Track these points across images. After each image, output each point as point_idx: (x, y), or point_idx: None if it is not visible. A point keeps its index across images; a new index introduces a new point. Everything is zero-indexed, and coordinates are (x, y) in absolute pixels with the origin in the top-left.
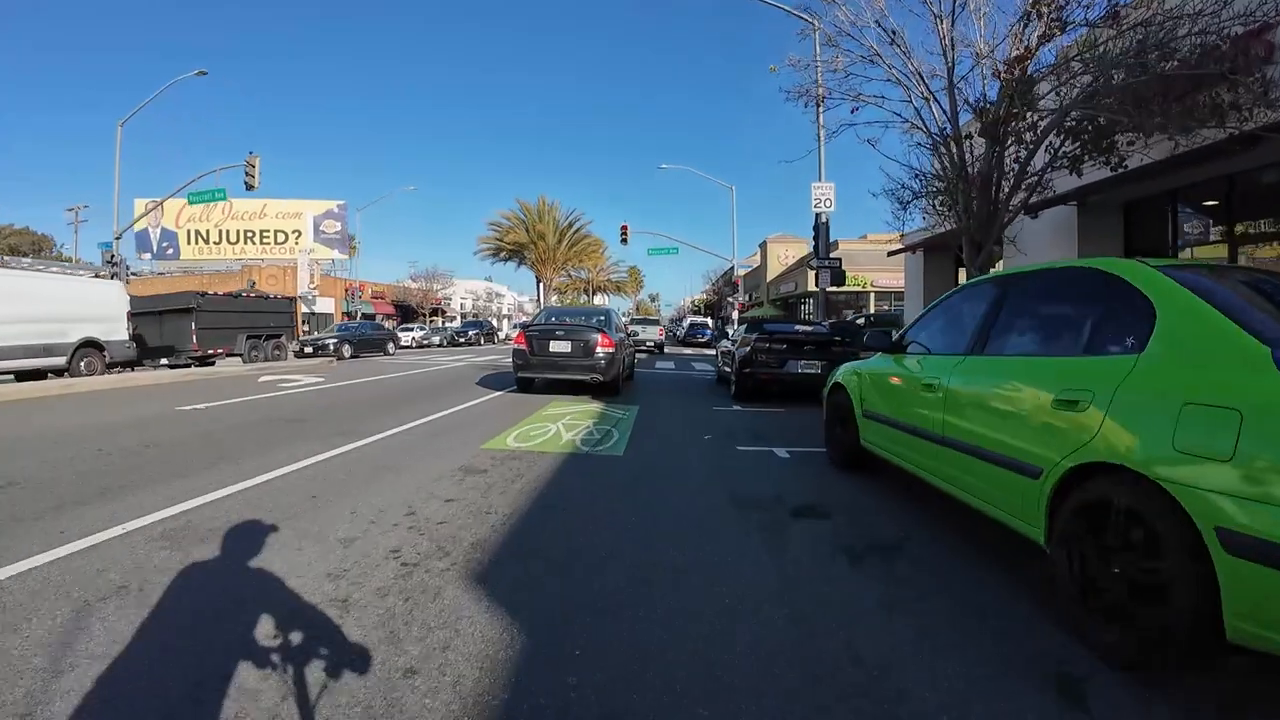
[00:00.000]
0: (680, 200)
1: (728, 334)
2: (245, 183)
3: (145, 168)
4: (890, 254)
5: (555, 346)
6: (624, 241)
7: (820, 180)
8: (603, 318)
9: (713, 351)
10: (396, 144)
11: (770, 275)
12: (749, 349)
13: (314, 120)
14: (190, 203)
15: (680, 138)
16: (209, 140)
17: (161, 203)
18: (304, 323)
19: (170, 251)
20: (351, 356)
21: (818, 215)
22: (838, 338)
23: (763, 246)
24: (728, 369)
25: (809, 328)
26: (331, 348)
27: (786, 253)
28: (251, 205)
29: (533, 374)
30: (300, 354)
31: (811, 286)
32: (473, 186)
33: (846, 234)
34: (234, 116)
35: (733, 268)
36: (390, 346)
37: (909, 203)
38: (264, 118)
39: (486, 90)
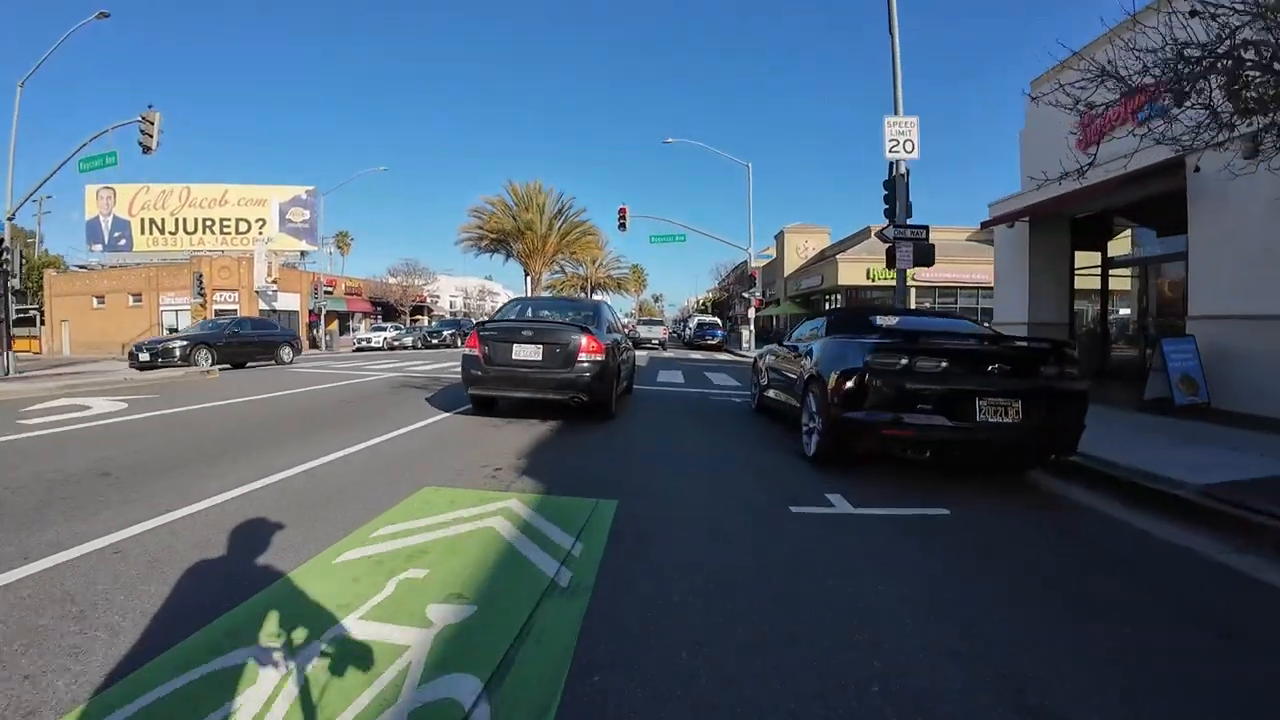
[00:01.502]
0: (687, 197)
1: (747, 336)
2: (141, 144)
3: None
4: (984, 224)
5: (520, 352)
6: (621, 226)
7: (897, 113)
8: (590, 312)
9: (725, 356)
10: (394, 139)
11: (788, 269)
12: (860, 370)
13: (302, 113)
14: (80, 170)
15: (688, 125)
16: (187, 125)
17: (48, 169)
18: None
19: (123, 242)
20: (218, 365)
21: (893, 165)
22: (1047, 345)
23: (779, 237)
24: (781, 396)
25: (967, 326)
26: (178, 354)
27: (806, 244)
28: (212, 191)
29: (487, 391)
30: (138, 363)
31: (842, 280)
32: (472, 181)
33: (857, 223)
34: (213, 101)
35: (748, 259)
36: (286, 352)
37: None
38: (247, 107)
39: (489, 82)
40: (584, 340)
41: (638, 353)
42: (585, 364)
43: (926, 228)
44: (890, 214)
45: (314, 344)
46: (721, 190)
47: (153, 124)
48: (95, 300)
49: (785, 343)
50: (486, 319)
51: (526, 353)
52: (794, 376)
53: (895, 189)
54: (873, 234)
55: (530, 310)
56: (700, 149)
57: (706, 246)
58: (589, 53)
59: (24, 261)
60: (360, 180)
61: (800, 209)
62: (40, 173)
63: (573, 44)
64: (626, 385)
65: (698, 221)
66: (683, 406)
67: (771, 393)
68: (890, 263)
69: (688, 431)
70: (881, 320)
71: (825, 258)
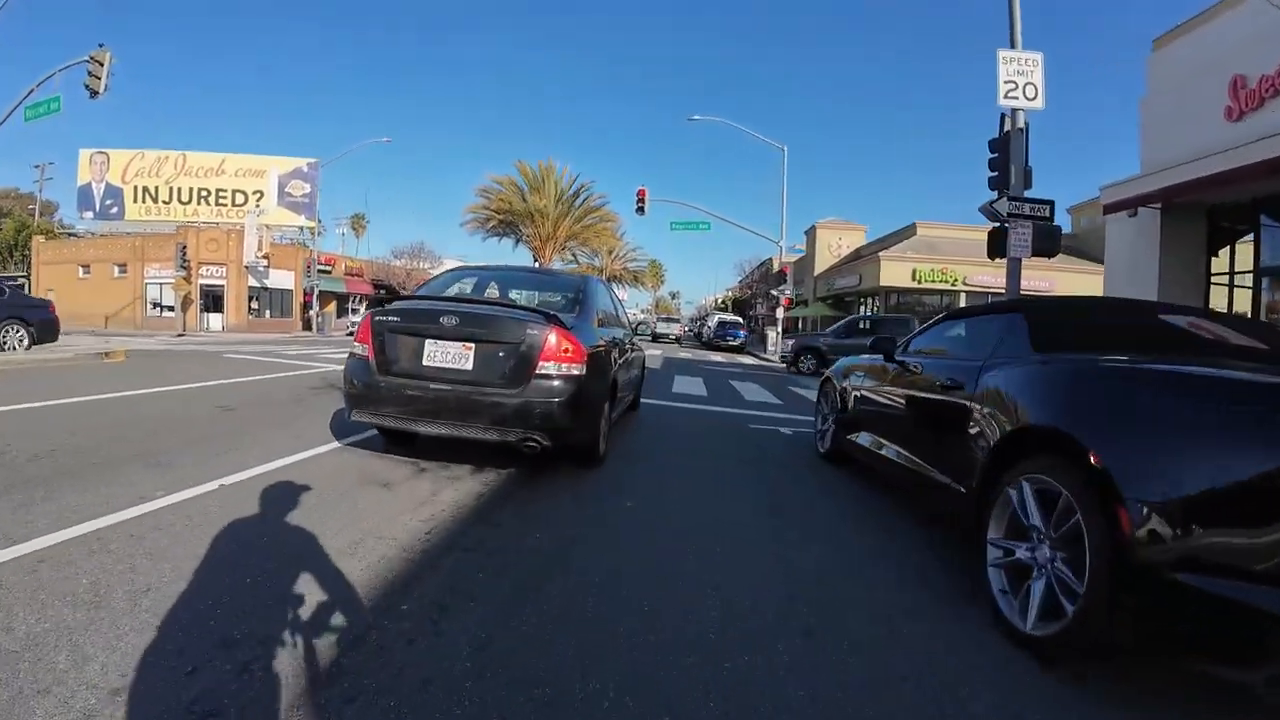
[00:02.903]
0: (712, 190)
1: (774, 338)
2: (87, 86)
3: (96, 117)
4: (1107, 209)
5: (436, 354)
6: (640, 210)
7: (1013, 46)
8: (572, 294)
9: (750, 360)
10: (404, 122)
11: (819, 268)
12: None
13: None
14: (26, 118)
15: (713, 112)
16: (189, 96)
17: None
18: (253, 299)
19: (115, 210)
20: None
21: (1007, 117)
22: None
23: (810, 233)
24: (894, 452)
25: None
26: None
27: (840, 241)
28: (208, 160)
29: (375, 417)
30: None
31: (884, 280)
32: (487, 165)
33: (892, 224)
34: (211, 73)
35: (779, 253)
36: (15, 334)
37: None
38: (248, 79)
39: (505, 61)
40: (551, 338)
41: (652, 351)
42: (553, 380)
43: (1051, 203)
44: (1000, 182)
45: (307, 325)
46: (749, 185)
47: (102, 65)
48: (81, 269)
49: (899, 357)
50: (387, 295)
51: (447, 355)
52: (939, 427)
53: (1009, 149)
54: (918, 231)
55: (482, 286)
56: (727, 135)
57: (727, 243)
58: (608, 32)
59: (22, 229)
60: (371, 163)
61: (828, 207)
62: (25, 137)
63: (591, 25)
64: (632, 399)
65: (724, 207)
66: (712, 443)
67: (866, 438)
68: (995, 250)
69: (724, 513)
70: (1189, 324)
71: (862, 256)
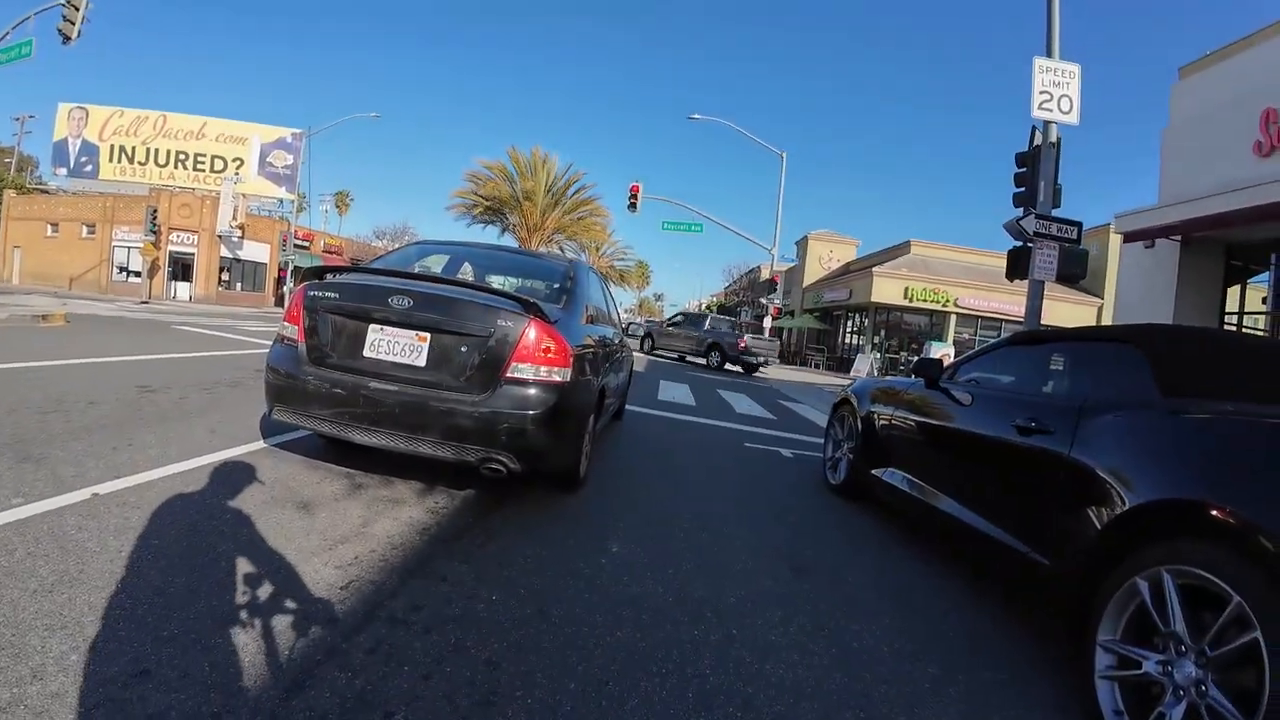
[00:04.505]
0: (704, 197)
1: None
2: (60, 31)
3: (85, 72)
4: (1127, 239)
5: (380, 344)
6: (632, 207)
7: (1050, 54)
8: (559, 282)
9: (736, 368)
10: (403, 107)
11: (808, 279)
12: None
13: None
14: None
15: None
16: (194, 61)
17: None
18: (224, 270)
19: (89, 168)
20: None
21: (1038, 130)
22: None
23: (801, 243)
24: (952, 505)
25: None
26: None
27: (831, 254)
28: (189, 123)
29: (300, 418)
30: None
31: (876, 297)
32: (480, 154)
33: (885, 236)
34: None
35: (771, 261)
36: None
37: None
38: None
39: (503, 56)
40: (530, 333)
41: (636, 353)
42: (528, 387)
43: (1079, 224)
44: (1027, 199)
45: (280, 301)
46: (742, 190)
47: (78, 9)
48: (49, 228)
49: (944, 384)
50: (322, 264)
51: (395, 346)
52: (1010, 479)
53: (1038, 164)
54: (912, 249)
55: (453, 266)
56: (725, 137)
57: (714, 248)
58: (612, 30)
59: None
60: (358, 139)
61: (818, 218)
62: (22, 95)
63: (597, 24)
64: (618, 407)
65: (722, 211)
66: (707, 465)
67: (897, 477)
68: (1015, 270)
69: (737, 567)
70: None
71: (852, 270)
